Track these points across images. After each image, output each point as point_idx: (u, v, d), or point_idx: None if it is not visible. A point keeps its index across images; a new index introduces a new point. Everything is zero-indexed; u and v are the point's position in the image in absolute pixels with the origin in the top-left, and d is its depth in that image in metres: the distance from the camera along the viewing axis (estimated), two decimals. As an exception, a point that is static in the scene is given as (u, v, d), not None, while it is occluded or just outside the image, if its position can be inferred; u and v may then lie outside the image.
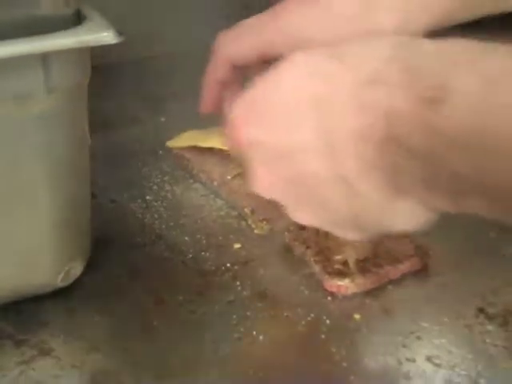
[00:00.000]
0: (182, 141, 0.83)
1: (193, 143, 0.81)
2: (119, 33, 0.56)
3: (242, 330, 0.61)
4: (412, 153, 0.44)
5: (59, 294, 0.62)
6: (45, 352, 0.58)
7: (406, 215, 0.49)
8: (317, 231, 0.68)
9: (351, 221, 0.51)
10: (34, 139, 0.56)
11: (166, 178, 0.79)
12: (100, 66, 0.95)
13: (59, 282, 0.62)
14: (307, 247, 0.68)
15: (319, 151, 0.49)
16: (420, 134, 0.44)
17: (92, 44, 0.55)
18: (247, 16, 0.65)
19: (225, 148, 0.76)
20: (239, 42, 0.63)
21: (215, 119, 0.84)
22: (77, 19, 0.57)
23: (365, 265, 0.66)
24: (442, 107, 0.43)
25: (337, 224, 0.53)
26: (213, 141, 0.79)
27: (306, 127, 0.49)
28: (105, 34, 0.55)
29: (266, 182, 0.54)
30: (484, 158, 0.42)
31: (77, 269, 0.63)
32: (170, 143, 0.84)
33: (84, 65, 0.58)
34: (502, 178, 0.42)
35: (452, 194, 0.45)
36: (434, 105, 0.43)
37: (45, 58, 0.54)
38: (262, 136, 0.52)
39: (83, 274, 0.64)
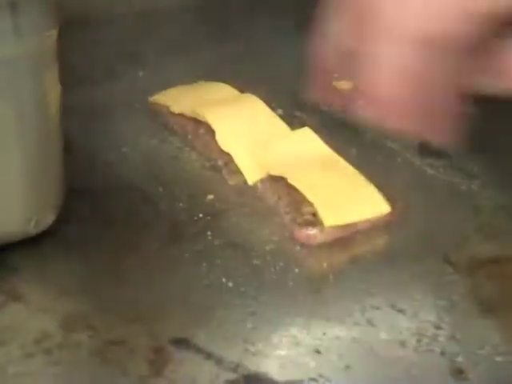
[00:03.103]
0: (163, 98, 0.84)
1: (169, 104, 0.81)
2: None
3: (211, 277, 0.62)
4: None
5: (31, 242, 0.63)
6: (15, 297, 0.59)
7: None
8: (288, 183, 0.69)
9: None
10: (2, 85, 0.56)
11: (141, 131, 0.80)
12: (76, 23, 0.96)
13: (31, 229, 0.63)
14: (278, 198, 0.69)
15: None
16: None
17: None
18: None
19: (195, 115, 0.77)
20: None
21: (194, 75, 0.86)
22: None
23: (334, 215, 0.67)
24: None
25: None
26: (184, 106, 0.79)
27: None
28: (73, -21, 0.56)
29: None
30: None
31: (49, 217, 0.64)
32: (152, 99, 0.84)
33: (52, 13, 0.58)
34: None
35: None
36: None
37: (12, 3, 0.55)
38: None
39: (56, 222, 0.65)
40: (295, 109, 0.84)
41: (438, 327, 0.59)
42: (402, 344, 0.57)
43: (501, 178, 0.74)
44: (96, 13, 0.98)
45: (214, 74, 0.85)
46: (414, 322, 0.59)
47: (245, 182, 0.72)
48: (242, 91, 0.82)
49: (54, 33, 0.59)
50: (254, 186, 0.72)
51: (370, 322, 0.59)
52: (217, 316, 0.59)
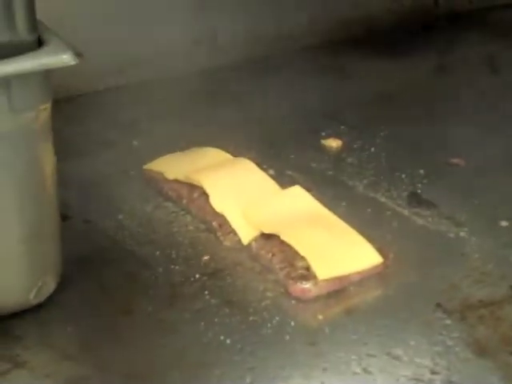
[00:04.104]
0: (157, 165, 0.86)
1: (163, 170, 0.83)
2: (77, 54, 0.59)
3: (210, 335, 0.63)
4: None
5: (32, 309, 0.65)
6: (18, 364, 0.60)
7: None
8: (280, 240, 0.71)
9: None
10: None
11: (137, 198, 0.82)
12: (72, 96, 0.99)
13: (32, 298, 0.64)
14: (272, 255, 0.71)
15: None
16: None
17: (52, 66, 0.58)
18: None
19: (189, 180, 0.80)
20: None
21: (188, 142, 0.88)
22: (37, 44, 0.60)
23: (327, 269, 0.68)
24: None
25: None
26: (178, 172, 0.82)
27: None
28: (64, 56, 0.58)
29: None
30: None
31: (49, 285, 0.65)
32: (146, 166, 0.86)
33: (46, 87, 0.61)
34: None
35: None
36: None
37: (7, 81, 0.57)
38: None
39: (56, 289, 0.66)
40: (286, 168, 0.87)
41: (433, 372, 0.60)
42: (399, 391, 0.59)
43: (487, 225, 0.76)
44: (89, 85, 1.02)
45: (208, 140, 0.88)
46: (410, 368, 0.60)
47: (239, 241, 0.74)
48: (234, 155, 0.85)
49: (47, 106, 0.62)
50: (249, 245, 0.73)
51: (366, 371, 0.60)
52: (215, 373, 0.60)
